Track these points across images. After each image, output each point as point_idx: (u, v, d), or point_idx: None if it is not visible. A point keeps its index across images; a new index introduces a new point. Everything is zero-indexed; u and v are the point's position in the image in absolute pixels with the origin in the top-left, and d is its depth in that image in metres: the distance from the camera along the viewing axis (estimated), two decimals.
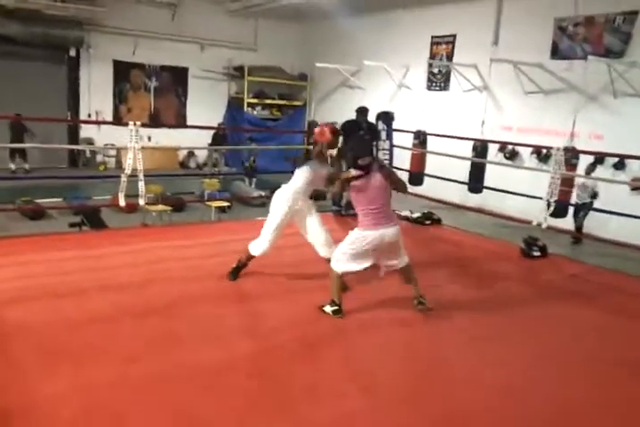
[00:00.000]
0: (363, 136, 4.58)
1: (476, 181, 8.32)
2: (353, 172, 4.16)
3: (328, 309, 4.23)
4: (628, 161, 7.80)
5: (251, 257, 4.77)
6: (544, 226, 6.60)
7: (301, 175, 4.71)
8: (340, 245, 4.29)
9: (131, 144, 6.22)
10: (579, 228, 7.58)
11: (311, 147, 4.86)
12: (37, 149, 10.85)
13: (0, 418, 2.81)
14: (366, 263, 4.26)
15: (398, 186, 4.34)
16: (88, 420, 2.84)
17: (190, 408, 2.97)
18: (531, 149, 8.90)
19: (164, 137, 11.19)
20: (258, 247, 4.69)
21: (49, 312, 4.06)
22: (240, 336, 3.84)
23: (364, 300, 4.55)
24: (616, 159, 7.90)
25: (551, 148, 6.99)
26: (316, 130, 4.62)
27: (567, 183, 6.77)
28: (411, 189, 8.98)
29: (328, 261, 4.42)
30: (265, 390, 3.19)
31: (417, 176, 8.91)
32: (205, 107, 13.08)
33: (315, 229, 4.76)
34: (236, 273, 4.84)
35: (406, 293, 4.45)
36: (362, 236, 4.16)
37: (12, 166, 10.53)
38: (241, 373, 3.37)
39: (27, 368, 3.28)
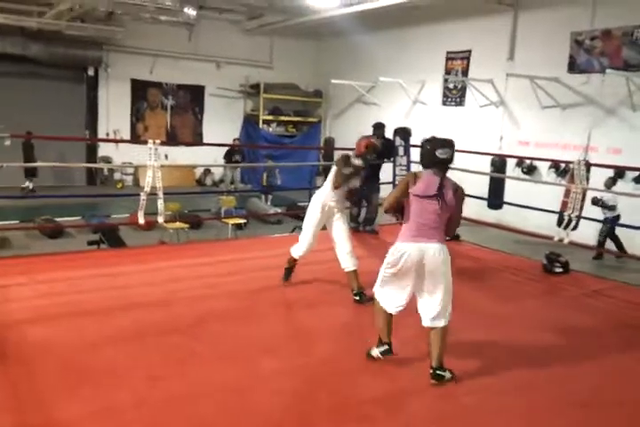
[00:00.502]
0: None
1: (495, 197, 8.25)
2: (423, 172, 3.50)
3: (375, 352, 3.68)
4: None
5: (293, 259, 5.05)
6: (566, 241, 6.51)
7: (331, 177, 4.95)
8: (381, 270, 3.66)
9: (150, 162, 6.25)
10: (601, 243, 7.47)
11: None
12: (56, 168, 10.98)
13: None
14: (403, 296, 3.57)
15: (454, 221, 3.60)
16: None
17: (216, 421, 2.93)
18: (549, 164, 8.83)
19: (181, 155, 11.27)
20: (297, 249, 4.97)
21: (70, 331, 4.04)
22: (262, 355, 3.80)
23: None
24: (636, 173, 7.81)
25: (570, 162, 6.92)
26: (358, 142, 4.96)
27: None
28: None
29: (350, 272, 4.65)
30: (288, 410, 3.13)
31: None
32: (221, 124, 13.18)
33: (341, 239, 4.86)
34: (287, 275, 5.13)
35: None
36: (398, 249, 3.51)
37: (30, 185, 10.53)
38: (264, 392, 3.32)
39: (48, 389, 3.25)
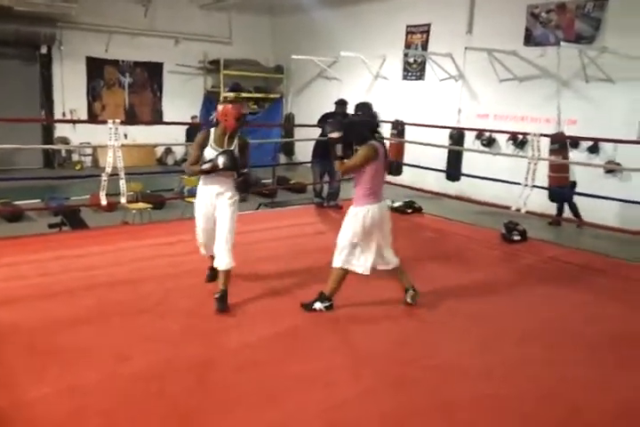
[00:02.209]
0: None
1: (453, 169, 8.42)
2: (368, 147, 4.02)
3: (319, 305, 4.17)
4: (601, 144, 7.96)
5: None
6: (523, 211, 6.71)
7: None
8: (341, 237, 4.13)
9: (111, 142, 6.17)
10: (558, 209, 7.76)
11: None
12: (10, 150, 10.67)
13: None
14: (369, 258, 4.12)
15: (391, 165, 4.45)
16: (78, 420, 2.85)
17: (179, 405, 2.99)
18: (507, 136, 9.02)
19: (140, 134, 11.08)
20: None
21: (37, 313, 4.04)
22: (227, 330, 3.88)
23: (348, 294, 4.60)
24: (590, 143, 8.06)
25: (527, 134, 7.10)
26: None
27: (563, 169, 6.94)
28: (390, 178, 9.12)
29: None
30: (252, 383, 3.23)
31: (396, 166, 8.97)
32: (182, 102, 12.99)
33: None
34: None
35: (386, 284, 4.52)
36: (365, 211, 4.04)
37: None
38: (227, 367, 3.40)
39: (16, 369, 3.27)
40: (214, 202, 4.14)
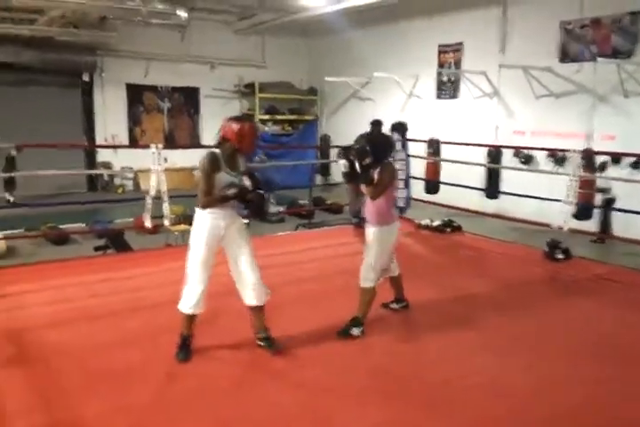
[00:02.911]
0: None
1: (492, 187, 8.35)
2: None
3: (356, 331, 4.11)
4: None
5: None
6: (565, 229, 6.61)
7: None
8: (367, 260, 4.16)
9: (154, 167, 6.34)
10: (602, 227, 7.60)
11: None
12: (55, 175, 10.98)
13: None
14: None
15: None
16: None
17: (231, 422, 3.03)
18: (546, 153, 8.92)
19: (180, 157, 11.31)
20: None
21: (86, 334, 4.16)
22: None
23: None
24: (632, 159, 7.91)
25: (567, 150, 7.02)
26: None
27: (588, 185, 6.76)
28: (428, 197, 9.10)
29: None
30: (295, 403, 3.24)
31: (433, 184, 8.95)
32: (218, 125, 13.15)
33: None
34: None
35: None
36: (389, 229, 4.17)
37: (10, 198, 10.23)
38: (278, 387, 3.43)
39: (70, 389, 3.37)
40: (222, 232, 3.64)
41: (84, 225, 8.11)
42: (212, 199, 3.54)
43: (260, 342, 3.85)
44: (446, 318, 4.59)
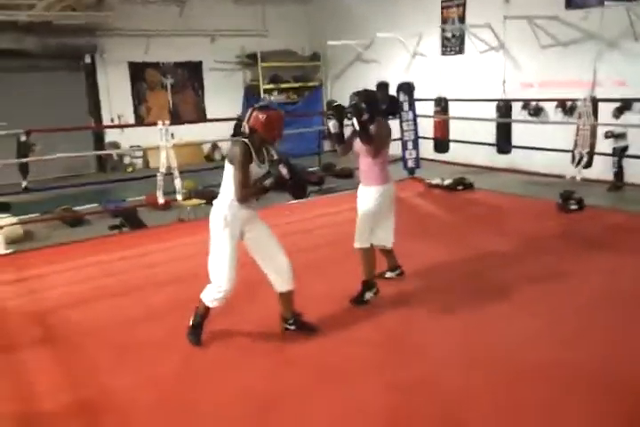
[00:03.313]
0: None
1: (504, 142, 8.25)
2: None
3: (369, 295, 4.11)
4: None
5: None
6: (578, 178, 6.54)
7: None
8: (360, 221, 4.12)
9: (162, 143, 6.37)
10: (616, 174, 7.49)
11: None
12: (65, 157, 11.04)
13: (84, 410, 3.01)
14: (389, 232, 4.26)
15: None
16: (162, 408, 3.01)
17: (257, 392, 3.11)
18: (555, 103, 8.75)
19: (187, 132, 11.31)
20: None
21: (110, 311, 4.25)
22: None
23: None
24: None
25: (576, 100, 6.89)
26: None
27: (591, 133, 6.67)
28: (437, 156, 9.03)
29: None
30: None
31: (442, 143, 8.87)
32: (223, 98, 13.14)
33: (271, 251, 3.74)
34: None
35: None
36: (386, 190, 4.08)
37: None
38: (306, 365, 3.50)
39: (99, 363, 3.48)
40: (244, 228, 3.54)
41: (97, 205, 8.20)
42: (252, 191, 3.42)
43: (289, 327, 3.76)
44: (464, 277, 4.61)
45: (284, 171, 3.39)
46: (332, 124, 3.96)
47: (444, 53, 10.87)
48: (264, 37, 13.26)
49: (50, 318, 4.19)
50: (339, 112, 3.96)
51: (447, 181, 7.81)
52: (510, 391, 2.99)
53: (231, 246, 3.47)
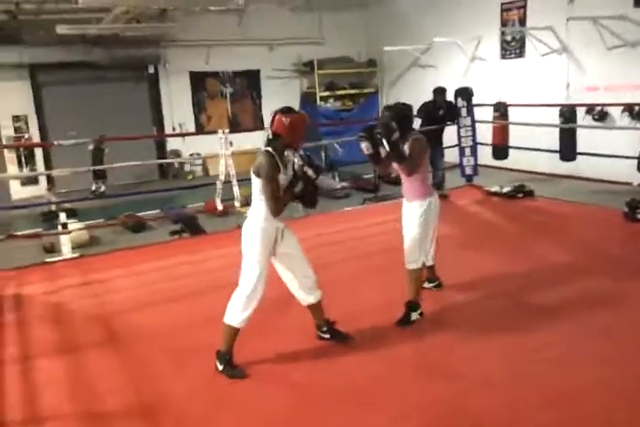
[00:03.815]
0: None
1: (567, 149, 7.97)
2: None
3: (415, 316, 3.95)
4: None
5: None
6: None
7: None
8: (410, 239, 3.96)
9: (222, 151, 6.53)
10: None
11: None
12: (129, 166, 11.44)
13: (143, 412, 3.10)
14: (431, 248, 4.22)
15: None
16: (219, 412, 3.06)
17: (307, 392, 3.14)
18: (621, 108, 8.41)
19: (245, 140, 11.52)
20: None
21: (170, 315, 4.37)
22: (347, 323, 3.95)
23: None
24: None
25: None
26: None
27: None
28: (496, 162, 8.83)
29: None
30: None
31: (501, 149, 8.68)
32: (280, 106, 13.07)
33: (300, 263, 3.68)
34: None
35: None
36: (430, 203, 3.94)
37: (101, 187, 10.77)
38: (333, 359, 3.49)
39: (158, 368, 3.57)
40: (277, 240, 3.43)
41: (158, 212, 8.44)
42: (283, 203, 3.32)
43: (324, 335, 3.75)
44: (516, 293, 4.48)
45: (309, 171, 3.28)
46: (364, 146, 3.83)
47: (503, 57, 10.65)
48: (320, 45, 13.36)
49: (112, 321, 4.33)
50: (369, 133, 3.80)
51: (506, 189, 7.63)
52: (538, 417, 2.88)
53: (264, 260, 3.39)
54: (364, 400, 3.06)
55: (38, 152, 11.34)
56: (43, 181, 11.04)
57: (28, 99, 11.24)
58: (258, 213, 3.37)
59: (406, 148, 3.83)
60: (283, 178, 3.31)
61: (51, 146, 10.39)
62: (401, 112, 3.89)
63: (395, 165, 3.97)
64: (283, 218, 3.47)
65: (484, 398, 3.00)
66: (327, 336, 3.74)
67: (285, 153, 3.35)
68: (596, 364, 3.27)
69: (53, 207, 8.17)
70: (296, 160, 3.36)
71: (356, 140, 3.90)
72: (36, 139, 11.31)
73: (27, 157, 11.27)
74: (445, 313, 4.13)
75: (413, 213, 3.95)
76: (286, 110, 3.37)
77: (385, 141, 3.71)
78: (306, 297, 3.62)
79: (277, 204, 3.27)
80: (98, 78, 11.67)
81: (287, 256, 3.51)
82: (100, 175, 10.56)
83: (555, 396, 2.98)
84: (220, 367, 3.45)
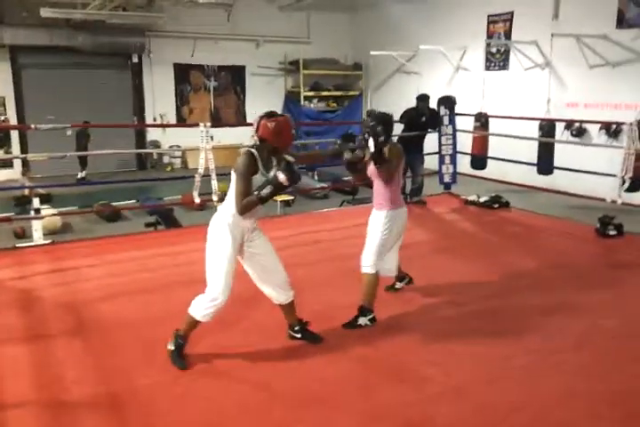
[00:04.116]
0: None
1: (545, 162, 8.11)
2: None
3: (363, 320, 3.94)
4: None
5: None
6: (619, 202, 6.41)
7: None
8: (369, 245, 4.00)
9: (202, 145, 6.47)
10: None
11: None
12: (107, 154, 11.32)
13: (110, 403, 3.06)
14: (394, 258, 4.24)
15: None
16: (185, 404, 3.04)
17: (275, 386, 3.16)
18: (599, 126, 8.60)
19: (226, 135, 11.46)
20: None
21: (141, 306, 4.33)
22: (323, 321, 3.96)
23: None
24: None
25: (622, 123, 6.76)
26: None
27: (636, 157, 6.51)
28: (474, 171, 8.94)
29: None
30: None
31: (480, 159, 8.79)
32: (264, 103, 13.21)
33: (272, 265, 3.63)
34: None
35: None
36: (397, 215, 3.98)
37: (82, 174, 10.73)
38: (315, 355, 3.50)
39: (127, 358, 3.53)
40: (245, 238, 3.42)
41: (134, 202, 8.35)
42: (250, 203, 3.25)
43: (295, 335, 3.74)
44: (493, 296, 4.56)
45: (281, 176, 3.15)
46: (345, 153, 3.83)
47: (487, 68, 10.78)
48: (307, 44, 13.41)
49: (82, 309, 4.27)
50: (349, 140, 3.84)
51: (483, 199, 7.74)
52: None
53: (231, 256, 3.33)
54: (333, 402, 3.06)
55: (14, 135, 11.15)
56: (17, 164, 10.84)
57: (7, 80, 11.04)
58: (228, 209, 3.35)
59: (386, 152, 3.87)
60: (260, 180, 3.26)
61: (28, 129, 10.21)
62: (386, 119, 3.94)
63: (370, 172, 4.00)
64: (259, 217, 3.47)
65: (453, 404, 3.03)
66: (298, 336, 3.75)
67: (275, 157, 3.33)
68: (566, 373, 3.33)
69: (27, 192, 8.02)
70: (275, 165, 3.28)
71: (337, 146, 3.88)
72: (14, 121, 11.11)
73: (2, 140, 11.08)
74: (418, 317, 4.16)
75: (378, 222, 3.98)
76: (270, 115, 3.35)
77: (372, 142, 3.75)
78: (278, 297, 3.61)
79: (242, 202, 3.23)
80: (80, 64, 11.52)
81: (258, 256, 3.49)
82: (84, 162, 10.47)
83: (522, 404, 3.03)
84: (170, 347, 3.46)
